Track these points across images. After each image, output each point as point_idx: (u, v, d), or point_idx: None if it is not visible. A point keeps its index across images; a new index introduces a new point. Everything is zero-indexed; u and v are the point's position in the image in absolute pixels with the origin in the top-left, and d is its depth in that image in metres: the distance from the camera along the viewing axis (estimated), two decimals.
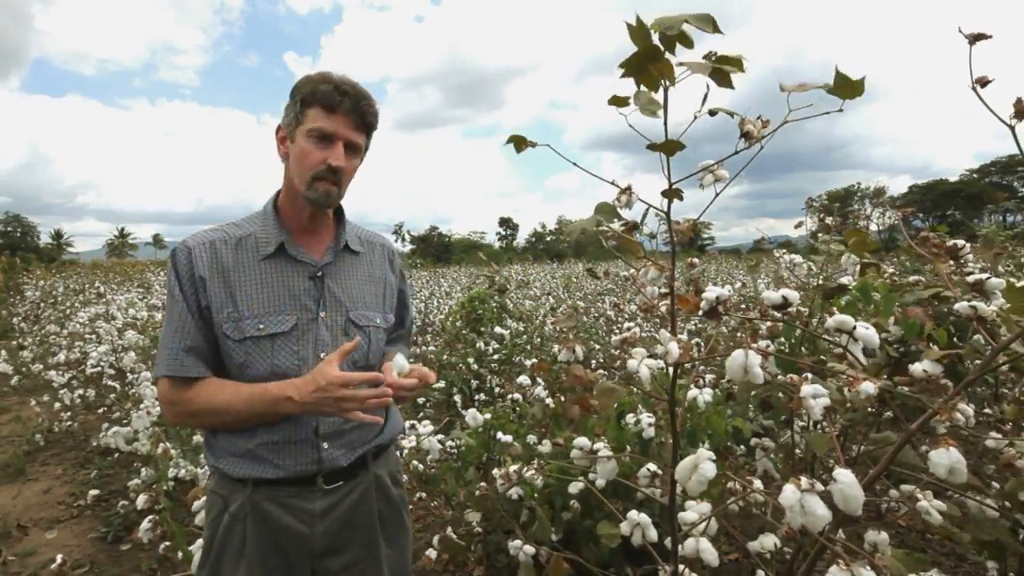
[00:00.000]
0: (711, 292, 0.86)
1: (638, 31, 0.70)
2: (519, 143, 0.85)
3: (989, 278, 0.90)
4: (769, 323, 1.15)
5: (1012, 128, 0.79)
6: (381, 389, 0.98)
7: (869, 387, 0.70)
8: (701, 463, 0.75)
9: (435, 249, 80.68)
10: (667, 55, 0.71)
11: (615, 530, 1.14)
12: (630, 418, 1.94)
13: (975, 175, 70.14)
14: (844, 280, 1.40)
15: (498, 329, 4.62)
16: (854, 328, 0.87)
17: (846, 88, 0.74)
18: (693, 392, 1.66)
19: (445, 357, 4.76)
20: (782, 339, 1.50)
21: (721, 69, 0.71)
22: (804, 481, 0.63)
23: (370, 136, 1.12)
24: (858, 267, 1.41)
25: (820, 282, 1.56)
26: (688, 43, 0.71)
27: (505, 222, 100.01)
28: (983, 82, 0.80)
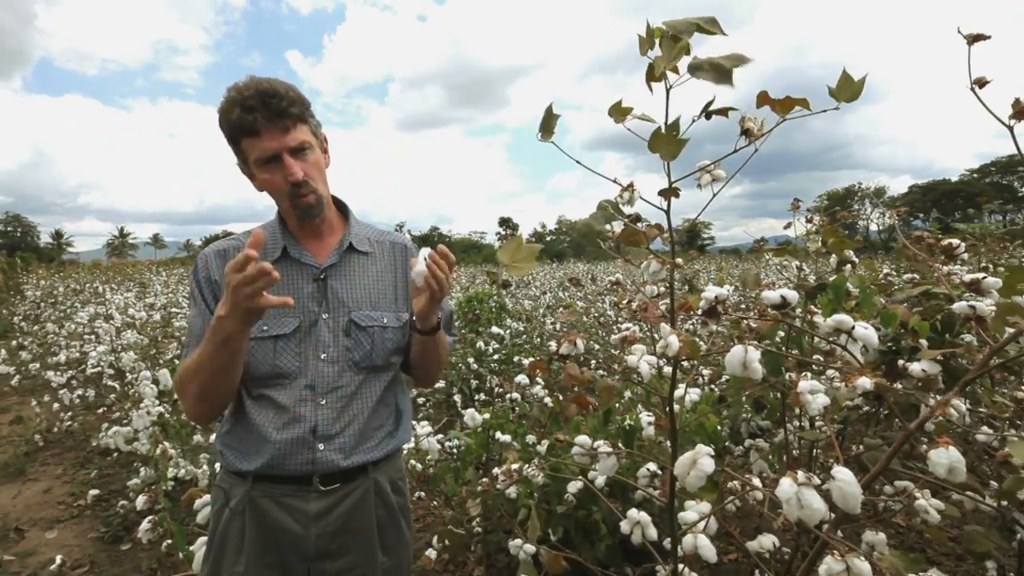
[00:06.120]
0: (710, 291, 0.86)
1: (648, 42, 0.71)
2: (549, 119, 0.85)
3: (986, 277, 0.90)
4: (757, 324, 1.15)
5: (1011, 129, 0.79)
6: (264, 265, 0.85)
7: (866, 382, 0.70)
8: (700, 458, 0.76)
9: None
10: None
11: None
12: (620, 418, 1.95)
13: (975, 175, 70.16)
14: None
15: (495, 329, 4.62)
16: (852, 328, 0.87)
17: (845, 89, 0.75)
18: (680, 392, 1.67)
19: None
20: (767, 340, 1.50)
21: (722, 66, 0.71)
22: (801, 475, 0.64)
23: (309, 121, 1.07)
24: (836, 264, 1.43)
25: (798, 281, 1.56)
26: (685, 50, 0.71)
27: (505, 222, 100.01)
28: (981, 83, 0.80)
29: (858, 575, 0.62)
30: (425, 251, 1.02)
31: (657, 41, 0.71)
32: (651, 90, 0.73)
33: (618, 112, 0.77)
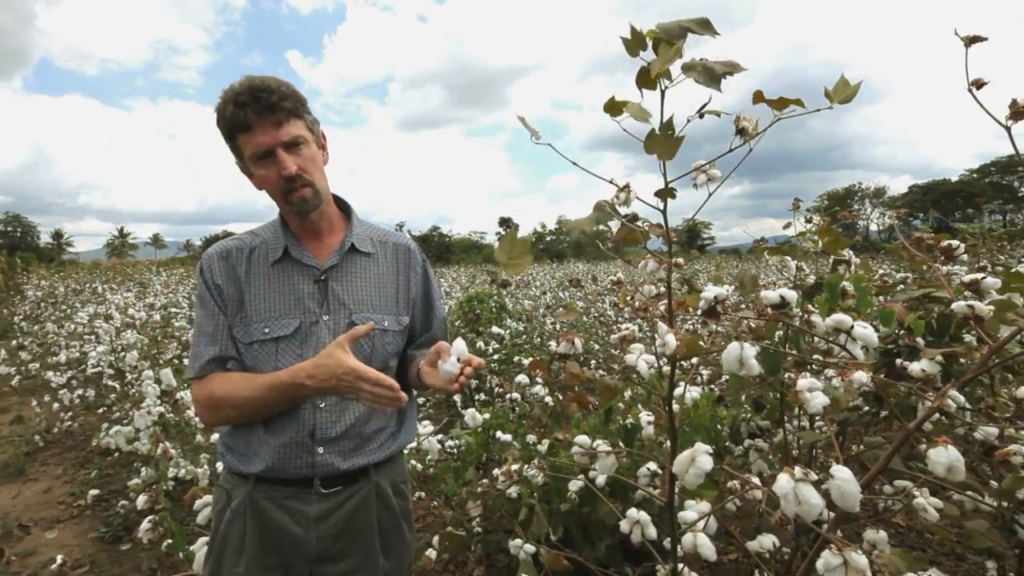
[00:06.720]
0: (709, 291, 0.87)
1: (634, 42, 0.72)
2: (526, 126, 0.87)
3: (984, 278, 0.91)
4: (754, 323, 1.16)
5: (1008, 129, 0.79)
6: (397, 394, 0.93)
7: (862, 376, 0.71)
8: (698, 456, 0.76)
9: (436, 249, 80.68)
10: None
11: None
12: (620, 417, 1.95)
13: (975, 175, 70.13)
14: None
15: (496, 329, 4.62)
16: (851, 327, 0.87)
17: (841, 92, 0.77)
18: (679, 390, 1.67)
19: None
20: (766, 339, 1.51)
21: (713, 70, 0.72)
22: (798, 470, 0.64)
23: (304, 116, 1.07)
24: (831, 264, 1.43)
25: (796, 281, 1.57)
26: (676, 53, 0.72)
27: (505, 222, 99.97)
28: (979, 84, 0.80)
29: (855, 569, 0.62)
30: (460, 347, 0.96)
31: (650, 43, 0.72)
32: (642, 96, 0.74)
33: (613, 108, 0.77)
